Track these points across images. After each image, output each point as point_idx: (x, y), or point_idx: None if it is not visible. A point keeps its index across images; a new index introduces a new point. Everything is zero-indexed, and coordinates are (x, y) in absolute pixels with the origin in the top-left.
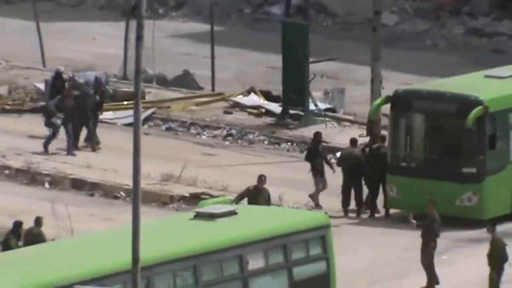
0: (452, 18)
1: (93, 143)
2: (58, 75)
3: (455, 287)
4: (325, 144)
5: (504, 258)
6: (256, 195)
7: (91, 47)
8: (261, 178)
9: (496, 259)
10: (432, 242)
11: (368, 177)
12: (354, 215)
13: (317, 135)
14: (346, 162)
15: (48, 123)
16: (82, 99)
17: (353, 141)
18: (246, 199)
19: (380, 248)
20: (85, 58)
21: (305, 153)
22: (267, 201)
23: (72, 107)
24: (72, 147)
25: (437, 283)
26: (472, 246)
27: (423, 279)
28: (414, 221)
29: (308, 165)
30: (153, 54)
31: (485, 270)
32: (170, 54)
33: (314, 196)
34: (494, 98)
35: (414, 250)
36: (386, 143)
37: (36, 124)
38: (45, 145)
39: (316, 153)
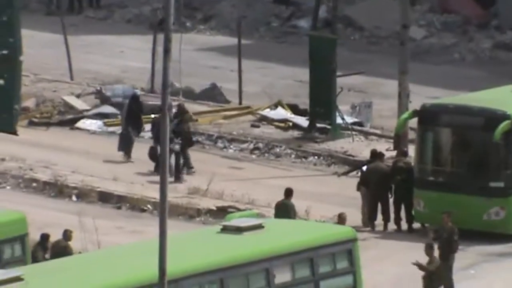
0: (480, 32)
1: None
2: (135, 98)
3: None
4: (351, 157)
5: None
6: (285, 208)
7: (119, 60)
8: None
9: (431, 282)
10: (453, 254)
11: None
12: (381, 228)
13: (374, 153)
14: (372, 176)
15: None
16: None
17: (380, 155)
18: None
19: (405, 262)
20: (112, 71)
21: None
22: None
23: (189, 131)
24: (182, 173)
25: None
26: (500, 261)
27: None
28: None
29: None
30: (180, 67)
31: None
32: (198, 67)
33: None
34: None
35: None
36: (412, 157)
37: (63, 138)
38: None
39: None
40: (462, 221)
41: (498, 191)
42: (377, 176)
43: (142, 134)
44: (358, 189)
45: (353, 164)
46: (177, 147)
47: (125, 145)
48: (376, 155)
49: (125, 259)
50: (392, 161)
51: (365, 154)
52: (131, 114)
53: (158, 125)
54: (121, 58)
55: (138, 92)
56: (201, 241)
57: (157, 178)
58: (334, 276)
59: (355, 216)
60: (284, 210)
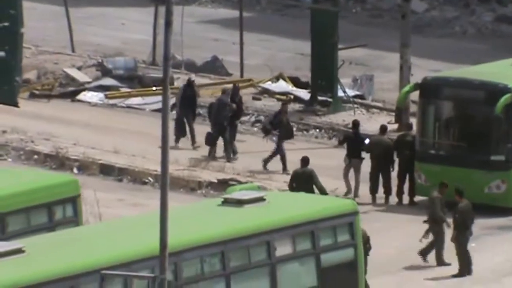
0: (482, 5)
1: (228, 153)
2: (189, 84)
3: (484, 274)
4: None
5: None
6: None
7: (120, 32)
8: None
9: None
10: (455, 231)
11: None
12: (382, 201)
13: (356, 123)
14: (375, 149)
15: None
16: (219, 107)
17: (383, 128)
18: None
19: (408, 235)
20: (114, 43)
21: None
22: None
23: (289, 122)
24: (285, 164)
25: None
26: (502, 234)
27: (451, 266)
28: None
29: None
30: (182, 40)
31: None
32: (199, 40)
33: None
34: None
35: None
36: (414, 131)
37: (64, 110)
38: (265, 163)
39: None
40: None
41: (499, 165)
42: (380, 149)
43: (144, 106)
44: (345, 160)
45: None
46: (274, 138)
47: (181, 131)
48: (357, 125)
49: (127, 232)
50: (399, 135)
51: (367, 127)
52: (185, 100)
53: (215, 110)
54: (123, 30)
55: (193, 77)
56: (202, 213)
57: (213, 163)
58: (335, 249)
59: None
60: (305, 178)
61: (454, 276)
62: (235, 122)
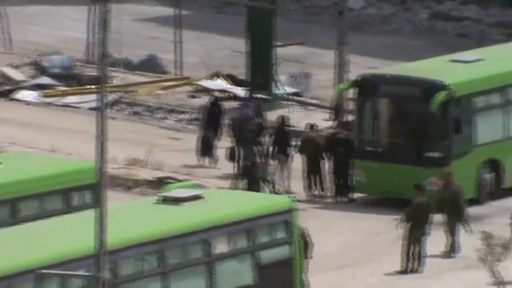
0: (417, 2)
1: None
2: (215, 102)
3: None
4: (291, 128)
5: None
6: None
7: (59, 31)
8: None
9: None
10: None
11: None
12: (319, 199)
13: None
14: (306, 146)
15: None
16: (242, 122)
17: (311, 126)
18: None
19: (347, 232)
20: (52, 42)
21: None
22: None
23: None
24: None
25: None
26: (439, 230)
27: (391, 262)
28: None
29: None
30: (119, 38)
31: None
32: (136, 38)
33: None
34: (459, 83)
35: (381, 234)
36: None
37: (0, 109)
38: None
39: None
40: (401, 191)
41: (436, 161)
42: (310, 146)
43: (81, 105)
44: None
45: None
46: None
47: (208, 150)
48: (284, 120)
49: (64, 231)
50: (330, 133)
51: (304, 125)
52: (212, 118)
53: (238, 125)
54: (61, 29)
55: (216, 94)
56: (139, 212)
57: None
58: (272, 247)
59: (294, 187)
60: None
61: (398, 272)
62: (258, 139)
